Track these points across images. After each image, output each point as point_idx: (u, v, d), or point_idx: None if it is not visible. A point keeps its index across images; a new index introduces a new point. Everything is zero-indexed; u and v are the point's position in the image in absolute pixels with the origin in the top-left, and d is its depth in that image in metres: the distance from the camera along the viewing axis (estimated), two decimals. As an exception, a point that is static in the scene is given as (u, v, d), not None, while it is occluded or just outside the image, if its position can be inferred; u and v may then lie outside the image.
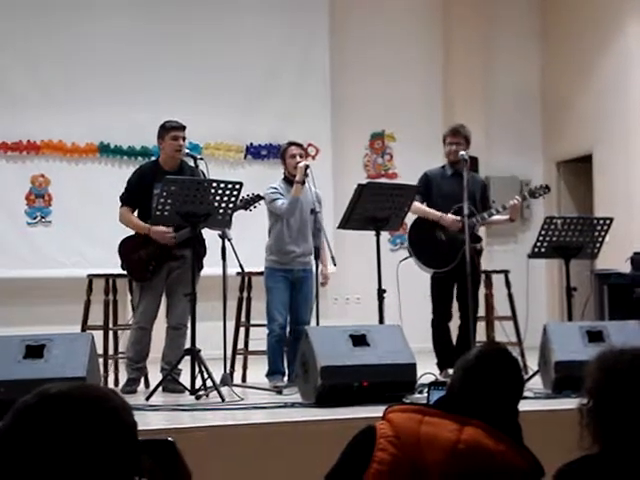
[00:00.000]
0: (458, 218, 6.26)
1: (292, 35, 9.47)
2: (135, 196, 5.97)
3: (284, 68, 9.42)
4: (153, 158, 6.90)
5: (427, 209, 6.46)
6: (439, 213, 6.39)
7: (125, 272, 6.03)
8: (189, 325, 5.66)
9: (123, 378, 6.16)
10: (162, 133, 6.01)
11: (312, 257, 6.15)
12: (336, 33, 9.67)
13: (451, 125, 6.72)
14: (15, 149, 8.73)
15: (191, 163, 5.98)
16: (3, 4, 8.69)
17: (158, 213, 5.55)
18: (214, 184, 5.55)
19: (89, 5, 8.88)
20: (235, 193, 5.56)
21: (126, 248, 5.94)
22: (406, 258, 6.46)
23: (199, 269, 5.88)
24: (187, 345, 5.62)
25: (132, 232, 5.99)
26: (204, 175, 5.88)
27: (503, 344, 2.55)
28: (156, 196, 5.71)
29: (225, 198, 5.54)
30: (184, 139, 6.00)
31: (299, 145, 6.34)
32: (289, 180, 6.21)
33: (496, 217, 6.51)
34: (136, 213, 5.98)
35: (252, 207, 5.94)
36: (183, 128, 6.00)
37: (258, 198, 5.95)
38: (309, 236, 6.20)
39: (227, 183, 5.58)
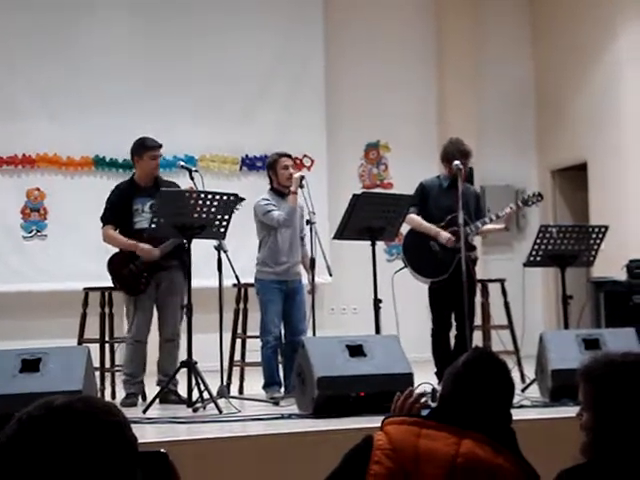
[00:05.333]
0: (454, 238, 6.26)
1: (287, 47, 9.49)
2: (116, 214, 6.00)
3: (279, 80, 9.44)
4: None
5: (424, 223, 6.42)
6: (436, 229, 6.37)
7: (118, 288, 6.04)
8: (182, 335, 5.66)
9: (120, 391, 6.16)
10: (140, 151, 6.07)
11: (302, 267, 6.21)
12: (331, 45, 9.69)
13: (460, 146, 6.41)
14: (10, 163, 8.72)
15: (186, 175, 6.01)
16: (0, 19, 8.71)
17: (153, 225, 5.56)
18: (209, 196, 5.55)
19: (86, 18, 8.89)
20: (230, 204, 5.58)
21: (115, 264, 5.97)
22: (401, 269, 6.46)
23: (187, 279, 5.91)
24: (183, 356, 5.62)
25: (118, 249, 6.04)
26: (196, 187, 5.90)
27: (490, 349, 2.56)
28: (136, 211, 5.89)
29: (220, 210, 5.55)
30: (160, 156, 6.12)
31: (289, 156, 6.36)
32: (278, 191, 6.22)
33: (490, 226, 6.51)
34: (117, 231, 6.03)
35: (235, 209, 5.91)
36: (160, 147, 6.10)
37: (239, 200, 5.89)
38: (299, 247, 6.23)
39: (222, 195, 5.59)
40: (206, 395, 5.30)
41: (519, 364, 6.58)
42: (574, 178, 10.08)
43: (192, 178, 5.93)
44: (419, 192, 6.51)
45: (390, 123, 9.83)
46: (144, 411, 5.21)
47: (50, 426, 1.34)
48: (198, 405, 5.26)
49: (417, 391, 2.69)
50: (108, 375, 6.42)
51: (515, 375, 2.77)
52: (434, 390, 4.81)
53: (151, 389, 5.84)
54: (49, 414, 1.35)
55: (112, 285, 6.13)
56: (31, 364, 4.82)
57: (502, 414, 2.33)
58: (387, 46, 9.91)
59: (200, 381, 5.35)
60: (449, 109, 10.01)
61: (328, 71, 9.64)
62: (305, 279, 6.26)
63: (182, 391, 5.63)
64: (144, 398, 5.93)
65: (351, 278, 8.84)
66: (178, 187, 6.06)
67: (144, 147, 6.05)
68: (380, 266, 6.07)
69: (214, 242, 5.81)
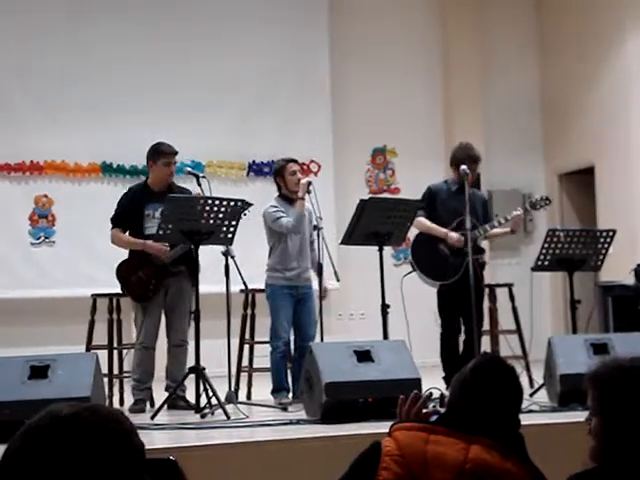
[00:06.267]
0: (462, 238, 6.25)
1: (293, 52, 9.50)
2: (126, 217, 6.01)
3: (285, 85, 9.45)
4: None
5: (432, 225, 6.43)
6: (444, 230, 6.37)
7: (127, 294, 6.05)
8: (190, 341, 5.66)
9: (128, 397, 6.16)
10: (155, 156, 6.04)
11: (312, 272, 6.19)
12: (336, 50, 9.71)
13: (469, 151, 6.44)
14: (18, 170, 8.74)
15: (193, 181, 6.02)
16: (3, 24, 8.73)
17: (161, 232, 5.57)
18: (216, 202, 5.56)
19: (91, 26, 8.91)
20: (238, 210, 5.59)
21: (124, 271, 5.97)
22: (410, 272, 6.45)
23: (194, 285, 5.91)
24: (191, 362, 5.62)
25: (127, 255, 6.04)
26: (203, 193, 5.91)
27: (498, 354, 2.55)
28: (147, 217, 5.87)
29: (228, 216, 5.56)
30: (175, 163, 6.08)
31: (295, 161, 6.36)
32: (287, 197, 6.21)
33: (498, 230, 6.50)
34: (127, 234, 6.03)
35: (242, 215, 5.92)
36: (176, 154, 6.06)
37: (247, 205, 5.90)
38: (309, 252, 6.23)
39: (229, 200, 5.59)
40: (214, 401, 5.30)
41: (527, 369, 6.56)
42: (581, 182, 10.07)
43: (199, 184, 5.93)
44: (427, 196, 6.52)
45: (397, 128, 9.84)
46: (152, 417, 5.21)
47: (57, 436, 1.34)
48: (206, 411, 5.26)
49: (423, 395, 2.68)
50: (116, 381, 6.43)
51: (523, 380, 2.77)
52: (442, 395, 4.80)
53: (159, 395, 5.85)
54: (55, 424, 1.35)
55: (120, 291, 6.14)
56: (39, 371, 4.82)
57: (511, 419, 2.33)
58: (393, 51, 9.91)
59: (208, 387, 5.35)
60: (456, 114, 10.01)
61: (334, 76, 9.65)
62: (316, 284, 6.25)
63: (190, 397, 5.63)
64: (152, 404, 5.93)
65: (358, 283, 8.84)
66: (191, 194, 6.04)
67: (158, 153, 6.04)
68: (387, 271, 6.07)
69: (221, 248, 5.82)
